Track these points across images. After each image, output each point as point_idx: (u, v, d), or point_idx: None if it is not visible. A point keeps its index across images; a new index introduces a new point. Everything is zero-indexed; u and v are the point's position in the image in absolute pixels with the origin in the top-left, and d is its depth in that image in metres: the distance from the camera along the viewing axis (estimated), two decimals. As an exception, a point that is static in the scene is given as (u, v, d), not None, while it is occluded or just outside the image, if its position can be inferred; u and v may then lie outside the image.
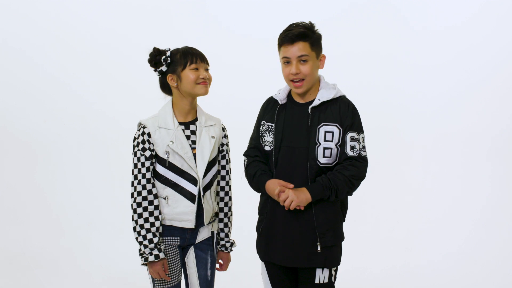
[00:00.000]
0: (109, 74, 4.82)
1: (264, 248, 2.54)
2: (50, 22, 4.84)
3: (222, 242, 2.62)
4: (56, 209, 4.74)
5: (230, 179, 2.63)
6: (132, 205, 2.42)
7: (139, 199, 2.41)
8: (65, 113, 4.85)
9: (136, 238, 2.41)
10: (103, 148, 4.78)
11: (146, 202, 2.41)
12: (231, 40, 4.77)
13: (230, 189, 2.64)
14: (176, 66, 2.45)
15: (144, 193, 2.41)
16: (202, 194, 2.45)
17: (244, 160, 2.59)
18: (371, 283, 4.19)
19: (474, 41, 4.72)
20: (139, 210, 2.40)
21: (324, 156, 2.41)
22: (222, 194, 2.61)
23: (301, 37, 2.39)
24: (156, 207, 2.42)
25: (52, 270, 4.36)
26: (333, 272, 2.52)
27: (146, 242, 2.39)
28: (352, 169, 2.41)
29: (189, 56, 2.43)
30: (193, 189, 2.44)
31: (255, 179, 2.50)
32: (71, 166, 4.81)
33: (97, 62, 4.83)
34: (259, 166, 2.51)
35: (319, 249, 2.43)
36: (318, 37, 2.46)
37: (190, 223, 2.45)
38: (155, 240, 2.39)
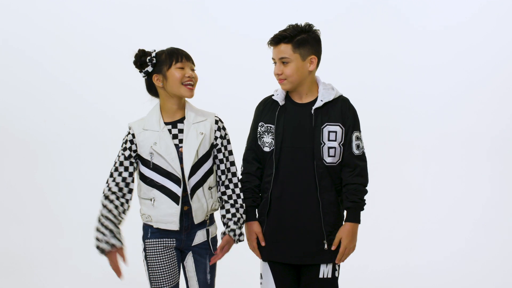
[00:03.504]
0: (109, 74, 4.82)
1: (269, 247, 2.55)
2: (50, 22, 4.84)
3: (232, 227, 2.48)
4: (56, 209, 4.73)
5: (233, 171, 2.53)
6: (102, 196, 2.42)
7: (106, 190, 2.41)
8: (65, 113, 4.85)
9: (96, 232, 2.39)
10: (103, 148, 4.76)
11: (113, 195, 2.40)
12: (231, 40, 4.77)
13: (235, 181, 2.53)
14: (162, 65, 2.44)
15: (114, 188, 2.41)
16: (189, 193, 2.42)
17: (241, 167, 2.63)
18: (372, 283, 4.19)
19: (474, 41, 4.72)
20: (105, 202, 2.40)
21: (329, 156, 2.49)
22: (222, 188, 2.53)
23: (283, 39, 2.47)
24: (116, 207, 2.40)
25: (52, 270, 4.36)
26: (337, 267, 2.56)
27: (103, 229, 2.37)
28: (359, 177, 2.53)
29: (175, 55, 2.43)
30: (177, 190, 2.41)
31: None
32: (71, 166, 4.81)
33: (97, 62, 4.83)
34: (252, 194, 2.56)
35: (325, 246, 2.49)
36: (306, 39, 2.48)
37: (174, 225, 2.42)
38: (114, 228, 2.36)
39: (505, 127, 4.68)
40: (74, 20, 4.84)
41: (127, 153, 2.45)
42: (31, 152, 4.83)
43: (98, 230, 2.39)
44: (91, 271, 4.30)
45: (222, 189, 2.53)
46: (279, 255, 2.54)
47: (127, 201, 2.44)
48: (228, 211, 2.51)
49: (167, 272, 2.47)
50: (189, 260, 2.52)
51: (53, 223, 4.68)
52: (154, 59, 2.44)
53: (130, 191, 2.46)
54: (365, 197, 2.55)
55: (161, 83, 2.46)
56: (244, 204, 2.54)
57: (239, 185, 2.56)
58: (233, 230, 2.49)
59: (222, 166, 2.53)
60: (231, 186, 2.53)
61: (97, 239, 2.38)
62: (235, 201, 2.53)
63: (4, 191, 4.79)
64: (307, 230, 2.49)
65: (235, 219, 2.50)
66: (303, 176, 2.49)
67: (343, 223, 2.55)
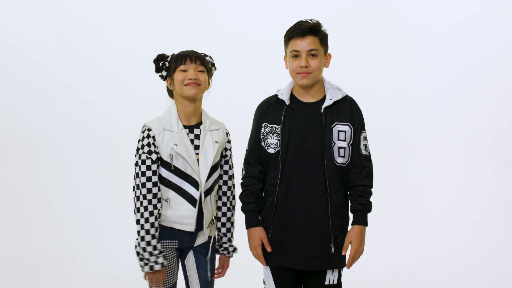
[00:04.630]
0: (110, 74, 4.82)
1: (276, 252, 2.48)
2: (50, 22, 4.84)
3: (225, 246, 2.62)
4: (56, 208, 4.74)
5: (233, 184, 2.61)
6: (139, 208, 2.37)
7: (145, 203, 2.36)
8: (65, 113, 4.85)
9: (138, 244, 2.37)
10: (103, 148, 4.78)
11: (152, 206, 2.37)
12: (231, 40, 4.77)
13: (232, 195, 2.61)
14: (170, 70, 2.49)
15: (149, 196, 2.36)
16: (203, 198, 2.44)
17: (243, 170, 2.56)
18: (372, 283, 4.19)
19: (474, 41, 4.72)
20: (146, 215, 2.36)
21: (339, 156, 2.44)
22: (224, 199, 2.58)
23: (312, 31, 2.41)
24: (156, 219, 2.39)
25: (52, 270, 4.36)
26: (341, 272, 2.53)
27: (150, 249, 2.36)
28: (367, 179, 2.48)
29: (179, 58, 2.47)
30: (195, 193, 2.43)
31: (245, 209, 2.54)
32: (71, 166, 4.81)
33: (97, 62, 4.83)
34: (256, 198, 2.52)
35: (332, 250, 2.44)
36: (326, 35, 2.48)
37: (190, 227, 2.44)
38: (159, 247, 2.38)
39: (505, 127, 4.69)
40: (74, 20, 4.85)
41: (154, 156, 2.40)
42: (31, 152, 4.83)
43: (145, 250, 2.37)
44: (91, 270, 4.30)
45: (224, 199, 2.60)
46: (285, 260, 2.47)
47: (159, 210, 2.41)
48: (224, 225, 2.61)
49: (167, 273, 2.47)
50: (190, 259, 2.53)
51: (53, 223, 4.68)
52: (167, 63, 2.50)
53: (161, 194, 2.43)
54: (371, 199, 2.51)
55: (171, 86, 2.50)
56: (233, 221, 2.63)
57: (233, 202, 2.61)
58: (227, 249, 2.62)
59: (225, 177, 2.59)
60: (232, 199, 2.62)
61: (147, 259, 2.37)
62: (233, 215, 2.62)
63: (4, 191, 4.79)
64: (314, 233, 2.43)
65: (229, 235, 2.62)
66: (311, 178, 2.42)
67: (351, 226, 2.49)
